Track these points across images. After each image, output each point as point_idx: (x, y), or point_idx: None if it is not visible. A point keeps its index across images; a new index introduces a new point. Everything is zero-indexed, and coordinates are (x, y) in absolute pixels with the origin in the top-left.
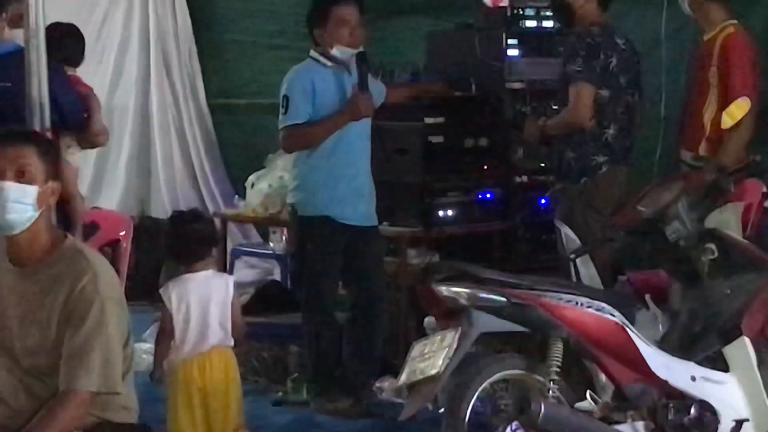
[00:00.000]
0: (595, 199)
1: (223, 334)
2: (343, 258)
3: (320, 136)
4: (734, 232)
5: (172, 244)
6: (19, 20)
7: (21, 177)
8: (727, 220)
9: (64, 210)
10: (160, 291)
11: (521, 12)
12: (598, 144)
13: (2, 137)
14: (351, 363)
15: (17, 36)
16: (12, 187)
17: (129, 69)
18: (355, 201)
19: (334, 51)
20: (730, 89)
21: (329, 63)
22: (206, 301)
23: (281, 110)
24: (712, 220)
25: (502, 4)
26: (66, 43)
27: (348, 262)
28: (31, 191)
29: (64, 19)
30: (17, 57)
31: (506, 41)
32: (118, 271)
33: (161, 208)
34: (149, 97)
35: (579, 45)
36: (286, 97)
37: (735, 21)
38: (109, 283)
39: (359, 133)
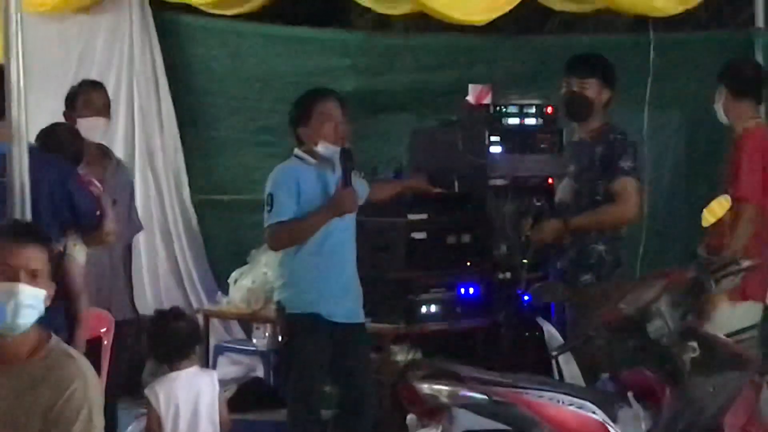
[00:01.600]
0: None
1: (212, 430)
2: (331, 355)
3: (306, 233)
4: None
5: (155, 344)
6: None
7: (33, 279)
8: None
9: (68, 308)
10: (146, 392)
11: (504, 109)
12: (623, 238)
13: (14, 233)
14: None
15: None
16: (27, 291)
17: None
18: (342, 298)
19: (319, 147)
20: (735, 187)
21: (314, 161)
22: (195, 398)
23: (266, 208)
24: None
25: (485, 102)
26: (69, 142)
27: (335, 359)
28: (42, 295)
29: (47, 113)
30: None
31: (489, 138)
32: (99, 368)
33: (144, 304)
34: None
35: (628, 143)
36: (270, 195)
37: (760, 118)
38: (96, 389)
39: (345, 229)
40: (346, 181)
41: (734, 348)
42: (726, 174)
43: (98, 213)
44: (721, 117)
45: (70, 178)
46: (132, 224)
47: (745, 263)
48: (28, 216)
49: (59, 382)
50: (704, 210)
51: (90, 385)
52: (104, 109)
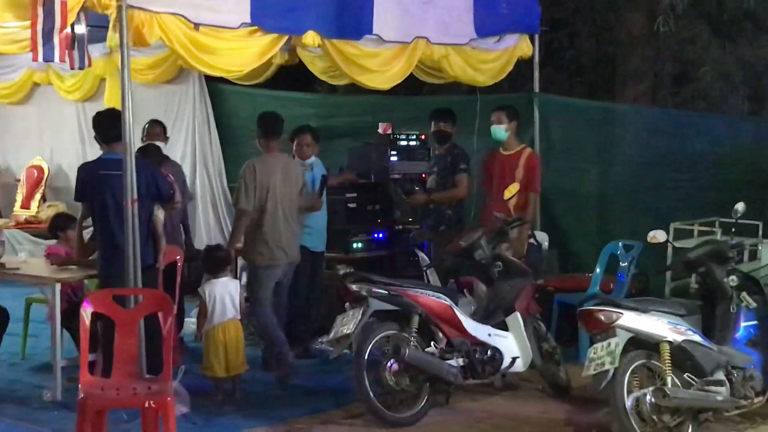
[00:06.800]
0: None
1: (234, 311)
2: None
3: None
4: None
5: (205, 264)
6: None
7: None
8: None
9: (154, 243)
10: (198, 290)
11: (398, 136)
12: (461, 206)
13: None
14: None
15: None
16: None
17: (185, 158)
18: (315, 237)
19: (297, 160)
20: (529, 183)
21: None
22: (224, 294)
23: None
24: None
25: (387, 132)
26: (154, 153)
27: (311, 270)
28: None
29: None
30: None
31: (390, 152)
32: (175, 282)
33: (201, 242)
34: (195, 178)
35: (463, 155)
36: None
37: (529, 147)
38: None
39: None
40: (320, 193)
41: (521, 265)
42: (509, 176)
43: (171, 192)
44: (501, 135)
45: (156, 172)
46: (185, 197)
47: (526, 220)
48: (135, 194)
49: None
50: (505, 190)
51: None
52: (161, 136)
